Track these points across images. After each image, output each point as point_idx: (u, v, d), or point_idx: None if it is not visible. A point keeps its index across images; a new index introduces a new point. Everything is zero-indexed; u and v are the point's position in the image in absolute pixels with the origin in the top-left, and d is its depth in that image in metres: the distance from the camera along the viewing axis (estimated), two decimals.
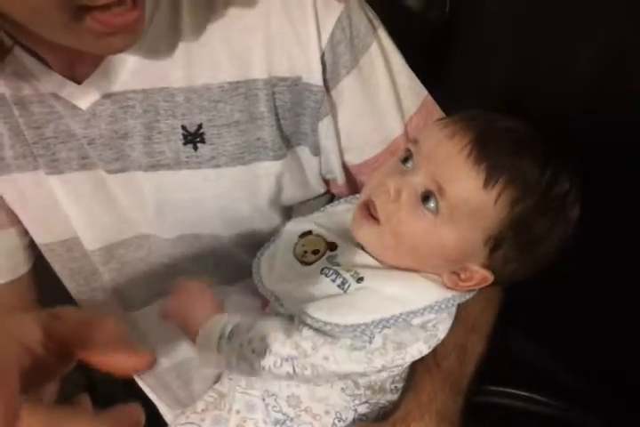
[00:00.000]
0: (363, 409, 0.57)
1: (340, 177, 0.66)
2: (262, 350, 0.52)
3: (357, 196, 0.62)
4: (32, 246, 0.69)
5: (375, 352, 0.53)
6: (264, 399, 0.58)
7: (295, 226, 0.61)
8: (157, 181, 0.61)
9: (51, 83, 0.58)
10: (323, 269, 0.55)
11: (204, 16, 0.57)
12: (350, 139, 0.63)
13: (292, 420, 0.58)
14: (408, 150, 0.56)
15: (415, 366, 0.59)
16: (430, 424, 0.56)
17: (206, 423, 0.61)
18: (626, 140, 0.74)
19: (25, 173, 0.62)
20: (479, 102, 0.89)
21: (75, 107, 0.59)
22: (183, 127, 0.59)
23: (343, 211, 0.62)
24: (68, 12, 0.46)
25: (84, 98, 0.58)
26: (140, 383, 0.76)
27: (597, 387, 0.82)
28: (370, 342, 0.53)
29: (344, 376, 0.54)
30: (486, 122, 0.54)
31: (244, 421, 0.59)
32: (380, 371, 0.54)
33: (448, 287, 0.56)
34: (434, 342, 0.55)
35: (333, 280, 0.54)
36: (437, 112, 0.66)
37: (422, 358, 0.55)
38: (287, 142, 0.62)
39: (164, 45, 0.57)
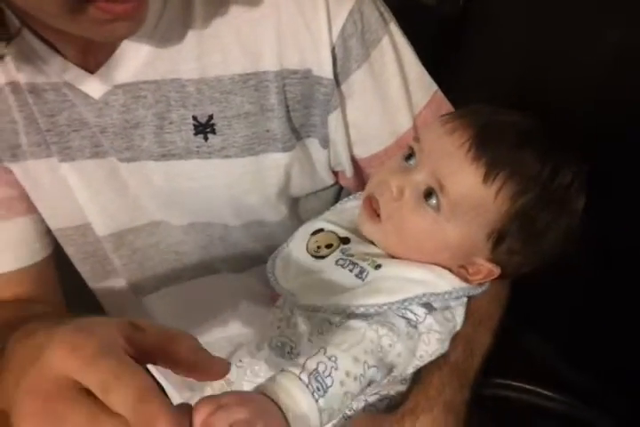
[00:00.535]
0: (373, 399, 0.58)
1: (348, 169, 0.66)
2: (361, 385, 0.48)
3: None
4: (49, 233, 0.70)
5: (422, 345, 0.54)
6: None
7: (306, 227, 0.62)
8: (168, 169, 0.62)
9: (64, 71, 0.59)
10: (338, 261, 0.56)
11: (216, 7, 0.57)
12: (359, 132, 0.63)
13: None
14: (410, 148, 0.57)
15: None
16: (438, 416, 0.56)
17: None
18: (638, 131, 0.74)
19: (39, 159, 0.63)
20: (492, 94, 0.88)
21: (87, 96, 0.60)
22: (194, 118, 0.60)
23: (352, 208, 0.63)
24: (69, 2, 0.46)
25: (97, 87, 0.59)
26: (149, 365, 0.77)
27: (606, 385, 0.82)
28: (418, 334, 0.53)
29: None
30: (488, 116, 0.55)
31: None
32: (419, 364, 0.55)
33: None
34: (453, 334, 0.56)
35: (351, 270, 0.55)
36: (446, 106, 0.66)
37: None
38: (296, 134, 0.62)
39: (175, 36, 0.58)
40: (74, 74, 0.59)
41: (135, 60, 0.58)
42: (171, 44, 0.58)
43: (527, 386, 0.80)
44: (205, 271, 0.71)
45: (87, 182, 0.64)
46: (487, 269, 0.56)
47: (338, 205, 0.66)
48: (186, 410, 0.36)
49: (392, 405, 0.59)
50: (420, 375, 0.59)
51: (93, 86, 0.59)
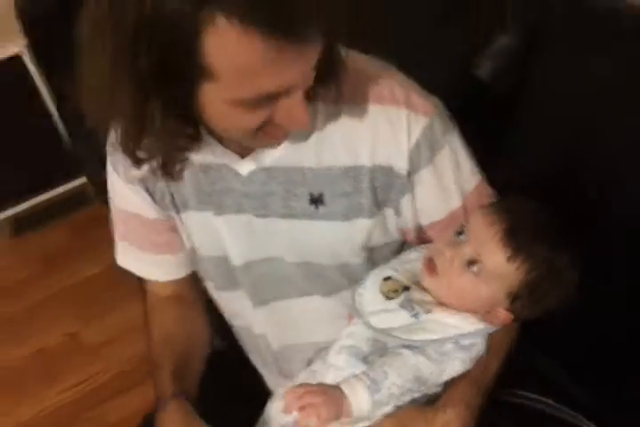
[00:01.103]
0: (418, 396, 0.84)
1: (412, 232, 0.92)
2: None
3: (423, 246, 0.91)
4: (189, 261, 1.03)
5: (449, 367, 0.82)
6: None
7: (379, 271, 0.89)
8: (289, 225, 0.88)
9: (223, 156, 0.86)
10: (402, 303, 0.83)
11: (332, 118, 0.83)
12: (423, 208, 0.89)
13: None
14: (462, 226, 0.83)
15: None
16: (460, 412, 0.83)
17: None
18: None
19: (201, 212, 0.91)
20: (538, 170, 1.05)
21: (238, 173, 0.87)
22: (310, 194, 0.86)
23: (414, 259, 0.89)
24: (251, 132, 0.73)
25: (245, 168, 0.87)
26: (253, 358, 1.07)
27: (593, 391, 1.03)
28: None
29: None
30: (515, 215, 0.81)
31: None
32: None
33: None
34: (475, 358, 0.83)
35: (409, 311, 0.82)
36: (487, 191, 0.91)
37: None
38: (378, 206, 0.87)
39: (303, 137, 0.84)
40: (230, 158, 0.86)
41: (275, 152, 0.85)
42: (299, 142, 0.84)
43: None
44: (304, 294, 0.95)
45: (230, 230, 0.92)
46: (504, 315, 0.82)
47: (402, 255, 0.92)
48: None
49: (431, 400, 0.86)
50: (449, 383, 0.85)
51: (243, 167, 0.87)
